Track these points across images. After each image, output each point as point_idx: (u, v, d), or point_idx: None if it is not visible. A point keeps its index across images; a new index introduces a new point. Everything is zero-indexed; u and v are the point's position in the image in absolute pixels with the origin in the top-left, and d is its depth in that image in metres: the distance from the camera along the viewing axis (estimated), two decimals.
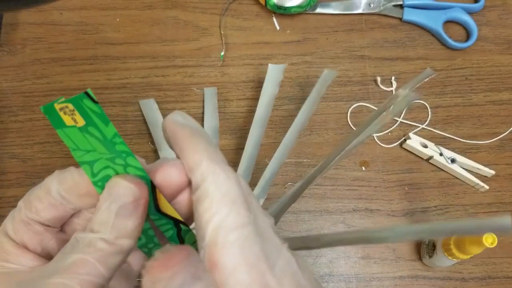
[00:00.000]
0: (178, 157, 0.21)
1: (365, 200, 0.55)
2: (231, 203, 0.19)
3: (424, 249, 0.52)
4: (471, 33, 0.60)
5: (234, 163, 0.56)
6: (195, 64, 0.60)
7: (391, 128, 0.58)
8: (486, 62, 0.60)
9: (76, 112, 0.19)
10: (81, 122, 0.19)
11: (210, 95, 0.58)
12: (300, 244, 0.42)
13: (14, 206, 0.21)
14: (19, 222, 0.21)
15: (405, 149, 0.57)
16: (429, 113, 0.58)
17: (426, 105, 0.59)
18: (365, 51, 0.61)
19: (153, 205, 0.21)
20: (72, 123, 0.19)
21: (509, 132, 0.58)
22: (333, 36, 0.62)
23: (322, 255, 0.54)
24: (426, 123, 0.58)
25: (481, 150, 0.57)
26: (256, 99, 0.58)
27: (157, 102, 0.58)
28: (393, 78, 0.59)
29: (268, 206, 0.49)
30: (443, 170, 0.56)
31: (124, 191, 0.19)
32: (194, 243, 0.22)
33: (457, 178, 0.56)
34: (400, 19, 0.62)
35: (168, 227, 0.21)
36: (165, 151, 0.54)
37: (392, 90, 0.59)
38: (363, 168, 0.57)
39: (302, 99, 0.59)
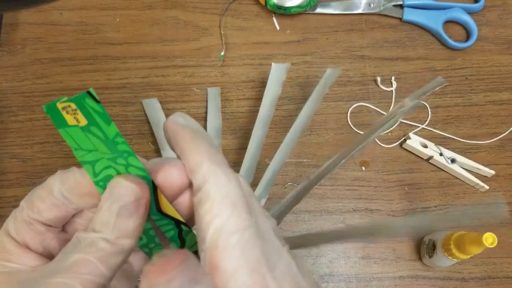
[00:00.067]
0: (179, 158, 0.21)
1: (365, 200, 0.55)
2: (232, 205, 0.19)
3: (424, 249, 0.52)
4: (471, 33, 0.60)
5: (234, 163, 0.56)
6: (195, 64, 0.60)
7: (391, 128, 0.58)
8: (486, 62, 0.60)
9: (78, 111, 0.19)
10: (83, 121, 0.19)
11: (213, 95, 0.58)
12: (300, 242, 0.43)
13: (14, 206, 0.21)
14: (21, 222, 0.21)
15: (405, 149, 0.57)
16: (429, 113, 0.58)
17: (426, 105, 0.59)
18: (365, 51, 0.61)
19: (154, 205, 0.21)
20: (75, 123, 0.19)
21: (509, 132, 0.58)
22: (333, 36, 0.62)
23: (322, 255, 0.54)
24: (426, 123, 0.58)
25: (481, 150, 0.57)
26: (256, 99, 0.58)
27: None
28: (393, 78, 0.59)
29: (270, 207, 0.49)
30: (443, 170, 0.56)
31: (125, 191, 0.19)
32: (195, 244, 0.22)
33: (457, 178, 0.56)
34: (400, 19, 0.62)
35: (169, 227, 0.21)
36: (168, 152, 0.54)
37: (392, 90, 0.59)
38: (363, 168, 0.57)
39: (302, 99, 0.59)
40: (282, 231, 0.54)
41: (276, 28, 0.62)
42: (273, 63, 0.55)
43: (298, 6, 0.60)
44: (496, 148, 0.57)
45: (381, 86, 0.59)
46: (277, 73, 0.55)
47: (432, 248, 0.50)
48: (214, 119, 0.57)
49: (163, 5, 0.63)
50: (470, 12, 0.61)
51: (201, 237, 0.19)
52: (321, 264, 0.53)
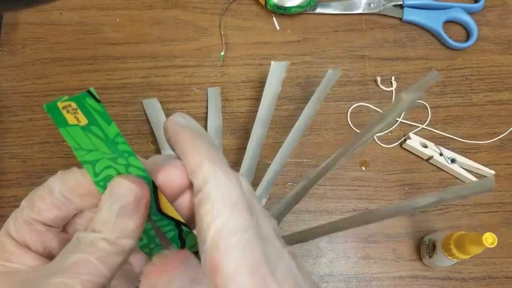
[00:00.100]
0: (179, 158, 0.21)
1: (365, 200, 0.55)
2: (232, 206, 0.18)
3: (424, 249, 0.52)
4: (471, 33, 0.60)
5: (234, 163, 0.56)
6: (195, 64, 0.60)
7: (391, 128, 0.58)
8: (486, 62, 0.60)
9: (79, 110, 0.19)
10: (83, 121, 0.19)
11: (213, 95, 0.58)
12: (297, 239, 0.43)
13: (14, 206, 0.21)
14: (22, 222, 0.21)
15: (405, 149, 0.57)
16: (429, 113, 0.58)
17: (426, 105, 0.59)
18: (365, 51, 0.61)
19: (154, 205, 0.21)
20: (75, 122, 0.19)
21: (509, 132, 0.58)
22: (333, 36, 0.62)
23: (322, 255, 0.54)
24: (426, 123, 0.58)
25: (481, 150, 0.57)
26: (256, 99, 0.58)
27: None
28: (393, 78, 0.59)
29: (270, 207, 0.49)
30: (443, 170, 0.56)
31: (125, 191, 0.19)
32: (195, 245, 0.22)
33: (457, 178, 0.56)
34: (400, 19, 0.62)
35: (170, 228, 0.21)
36: (168, 151, 0.54)
37: (392, 90, 0.59)
38: (363, 168, 0.57)
39: (302, 99, 0.59)
40: (282, 231, 0.54)
41: (276, 28, 0.62)
42: (272, 61, 0.54)
43: (298, 6, 0.60)
44: (496, 148, 0.57)
45: (381, 86, 0.59)
46: (276, 71, 0.55)
47: (432, 248, 0.50)
48: (214, 119, 0.57)
49: (163, 5, 0.63)
50: (470, 12, 0.61)
51: (202, 238, 0.19)
52: (321, 264, 0.53)
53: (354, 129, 0.58)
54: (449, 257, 0.47)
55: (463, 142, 0.57)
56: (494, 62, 0.60)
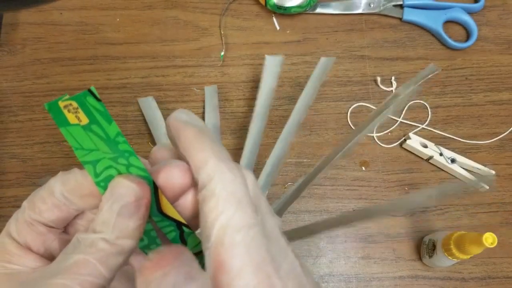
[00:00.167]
0: (182, 156, 0.20)
1: (365, 200, 0.55)
2: (237, 203, 0.18)
3: (424, 249, 0.52)
4: (471, 33, 0.60)
5: None
6: (195, 64, 0.60)
7: (391, 128, 0.58)
8: (486, 62, 0.60)
9: (79, 110, 0.19)
10: (84, 120, 0.19)
11: (210, 94, 0.58)
12: (295, 235, 0.42)
13: (14, 206, 0.21)
14: (23, 223, 0.21)
15: (405, 149, 0.57)
16: (429, 113, 0.58)
17: (426, 105, 0.59)
18: (365, 51, 0.61)
19: (155, 206, 0.20)
20: (76, 121, 0.19)
21: (509, 132, 0.58)
22: (333, 36, 0.62)
23: (322, 255, 0.54)
24: (426, 123, 0.58)
25: (481, 150, 0.57)
26: (256, 99, 0.58)
27: (157, 102, 0.58)
28: (393, 78, 0.59)
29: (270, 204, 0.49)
30: (443, 170, 0.56)
31: (126, 191, 0.19)
32: (196, 246, 0.22)
33: (457, 178, 0.56)
34: (400, 19, 0.62)
35: (171, 229, 0.21)
36: None
37: (392, 90, 0.59)
38: (363, 168, 0.57)
39: None
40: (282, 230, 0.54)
41: (276, 28, 0.62)
42: (266, 56, 0.54)
43: (298, 6, 0.60)
44: (496, 148, 0.57)
45: (381, 86, 0.59)
46: (271, 65, 0.54)
47: (432, 248, 0.50)
48: (211, 117, 0.57)
49: (163, 5, 0.63)
50: (470, 12, 0.61)
51: (206, 235, 0.18)
52: (321, 264, 0.53)
53: (354, 129, 0.58)
54: (449, 257, 0.47)
55: (463, 142, 0.57)
56: (494, 62, 0.60)
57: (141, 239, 0.21)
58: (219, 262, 0.18)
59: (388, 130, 0.58)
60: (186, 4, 0.63)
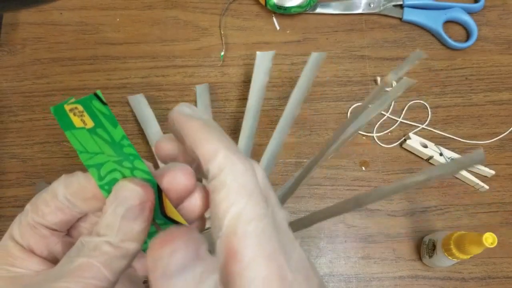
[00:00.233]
0: (188, 149, 0.20)
1: None
2: (248, 194, 0.18)
3: (424, 249, 0.52)
4: (471, 33, 0.60)
5: None
6: (195, 64, 0.60)
7: (391, 128, 0.58)
8: (486, 62, 0.60)
9: (85, 113, 0.19)
10: (90, 123, 0.19)
11: (202, 92, 0.58)
12: (295, 227, 0.42)
13: (14, 206, 0.21)
14: (26, 226, 0.21)
15: (405, 149, 0.57)
16: (429, 113, 0.58)
17: (426, 105, 0.59)
18: (365, 51, 0.61)
19: (159, 209, 0.21)
20: (81, 125, 0.19)
21: (509, 132, 0.58)
22: (333, 36, 0.62)
23: (322, 255, 0.54)
24: (426, 123, 0.58)
25: None
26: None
27: (158, 102, 0.58)
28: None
29: None
30: None
31: (130, 194, 0.19)
32: None
33: (457, 178, 0.56)
34: (400, 19, 0.62)
35: None
36: None
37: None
38: (363, 168, 0.57)
39: None
40: None
41: (276, 28, 0.62)
42: (257, 52, 0.54)
43: (298, 6, 0.60)
44: (496, 148, 0.57)
45: None
46: (262, 61, 0.55)
47: (432, 248, 0.50)
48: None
49: (163, 5, 0.63)
50: (470, 12, 0.61)
51: (217, 225, 0.18)
52: (321, 264, 0.53)
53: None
54: (449, 257, 0.47)
55: (463, 142, 0.57)
56: (494, 62, 0.60)
57: (145, 242, 0.21)
58: (231, 252, 0.18)
59: (388, 130, 0.58)
60: (186, 4, 0.63)
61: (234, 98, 0.59)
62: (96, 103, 0.19)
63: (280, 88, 0.59)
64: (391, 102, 0.56)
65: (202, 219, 0.22)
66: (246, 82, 0.60)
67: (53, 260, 0.21)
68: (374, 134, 0.57)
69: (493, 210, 0.55)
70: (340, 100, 0.59)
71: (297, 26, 0.62)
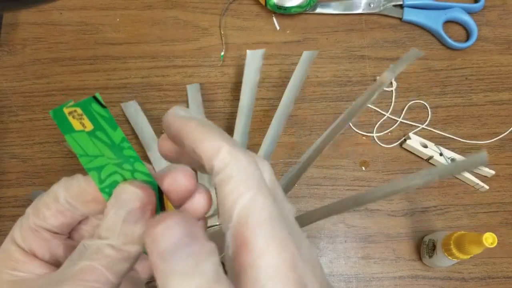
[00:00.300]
0: (188, 150, 0.20)
1: None
2: (256, 185, 0.18)
3: (424, 249, 0.52)
4: (471, 33, 0.60)
5: None
6: (195, 64, 0.60)
7: (391, 128, 0.58)
8: (486, 62, 0.60)
9: (84, 116, 0.19)
10: (89, 126, 0.19)
11: (193, 92, 0.58)
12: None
13: (14, 206, 0.21)
14: (27, 229, 0.21)
15: (405, 149, 0.57)
16: (429, 113, 0.58)
17: (426, 105, 0.59)
18: (365, 51, 0.61)
19: (160, 211, 0.21)
20: (81, 128, 0.19)
21: (509, 132, 0.58)
22: (333, 36, 0.62)
23: (322, 255, 0.54)
24: (426, 123, 0.58)
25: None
26: (256, 99, 0.58)
27: (157, 102, 0.58)
28: (393, 78, 0.59)
29: None
30: None
31: (131, 197, 0.19)
32: None
33: (457, 178, 0.56)
34: (400, 19, 0.62)
35: None
36: (154, 152, 0.54)
37: (392, 90, 0.59)
38: (363, 168, 0.57)
39: (302, 99, 0.59)
40: None
41: (276, 28, 0.62)
42: (248, 50, 0.54)
43: (298, 6, 0.60)
44: (496, 148, 0.57)
45: None
46: (252, 59, 0.55)
47: (432, 248, 0.50)
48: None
49: (163, 5, 0.63)
50: (470, 12, 0.61)
51: (226, 216, 0.18)
52: (321, 264, 0.53)
53: (354, 129, 0.58)
54: (449, 257, 0.47)
55: (463, 142, 0.57)
56: (494, 62, 0.60)
57: None
58: (242, 242, 0.17)
59: (388, 130, 0.58)
60: (186, 4, 0.63)
61: (234, 98, 0.59)
62: (95, 106, 0.19)
63: (280, 88, 0.59)
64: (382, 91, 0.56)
65: (203, 220, 0.22)
66: None
67: (55, 263, 0.21)
68: (374, 134, 0.57)
69: (493, 210, 0.55)
70: (340, 100, 0.59)
71: (297, 26, 0.62)
